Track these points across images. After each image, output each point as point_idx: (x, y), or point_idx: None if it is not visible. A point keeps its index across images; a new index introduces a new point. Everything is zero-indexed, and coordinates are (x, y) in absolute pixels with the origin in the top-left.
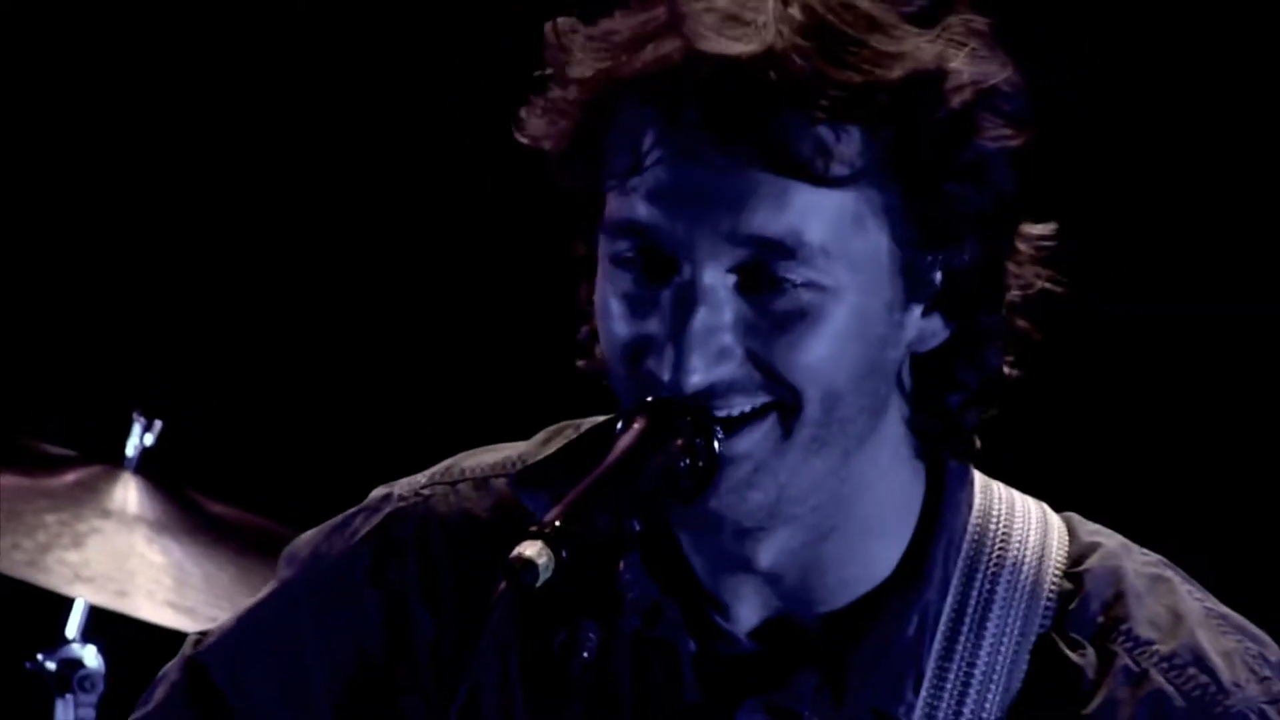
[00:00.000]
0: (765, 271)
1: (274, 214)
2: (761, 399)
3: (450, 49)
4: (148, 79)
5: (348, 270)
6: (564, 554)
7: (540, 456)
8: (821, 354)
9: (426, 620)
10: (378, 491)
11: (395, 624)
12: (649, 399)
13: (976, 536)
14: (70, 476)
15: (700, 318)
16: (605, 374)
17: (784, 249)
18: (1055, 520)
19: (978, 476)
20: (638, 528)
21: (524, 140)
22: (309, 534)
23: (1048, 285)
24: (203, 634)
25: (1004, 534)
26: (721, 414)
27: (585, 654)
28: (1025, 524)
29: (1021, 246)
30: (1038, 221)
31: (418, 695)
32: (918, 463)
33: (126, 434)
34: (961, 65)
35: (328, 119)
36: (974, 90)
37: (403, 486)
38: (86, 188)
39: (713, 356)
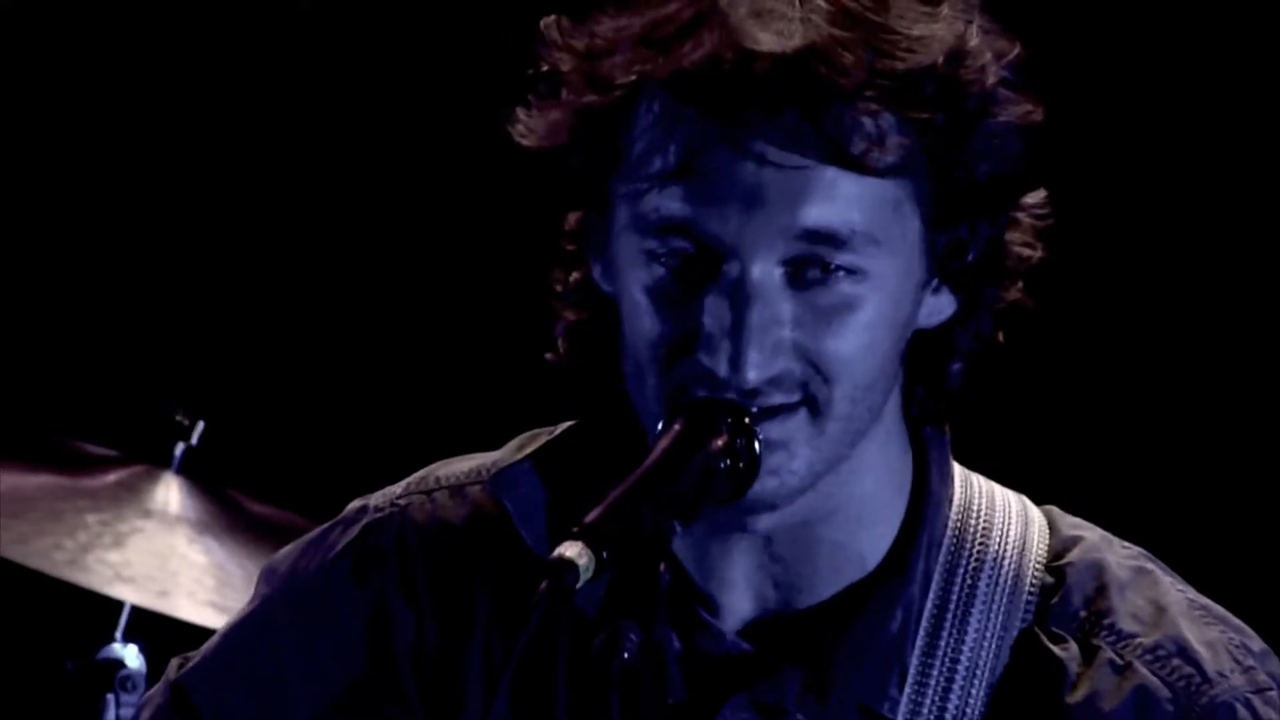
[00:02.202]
0: (815, 263)
1: (320, 216)
2: (795, 397)
3: (465, 45)
4: (192, 84)
5: (392, 273)
6: (604, 554)
7: (514, 460)
8: (858, 344)
9: (407, 629)
10: (354, 504)
11: (375, 635)
12: (688, 400)
13: (958, 531)
14: (112, 476)
15: (756, 313)
16: (584, 368)
17: (836, 240)
18: (1036, 514)
19: (958, 469)
20: (678, 528)
21: (522, 141)
22: (286, 549)
23: (1041, 255)
24: (186, 656)
25: (985, 528)
26: (756, 406)
27: (625, 654)
28: (1006, 517)
29: (1020, 216)
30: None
31: (400, 706)
32: (906, 442)
33: (169, 434)
34: (978, 43)
35: (372, 128)
36: (995, 66)
37: (378, 498)
38: (132, 189)
39: (769, 351)
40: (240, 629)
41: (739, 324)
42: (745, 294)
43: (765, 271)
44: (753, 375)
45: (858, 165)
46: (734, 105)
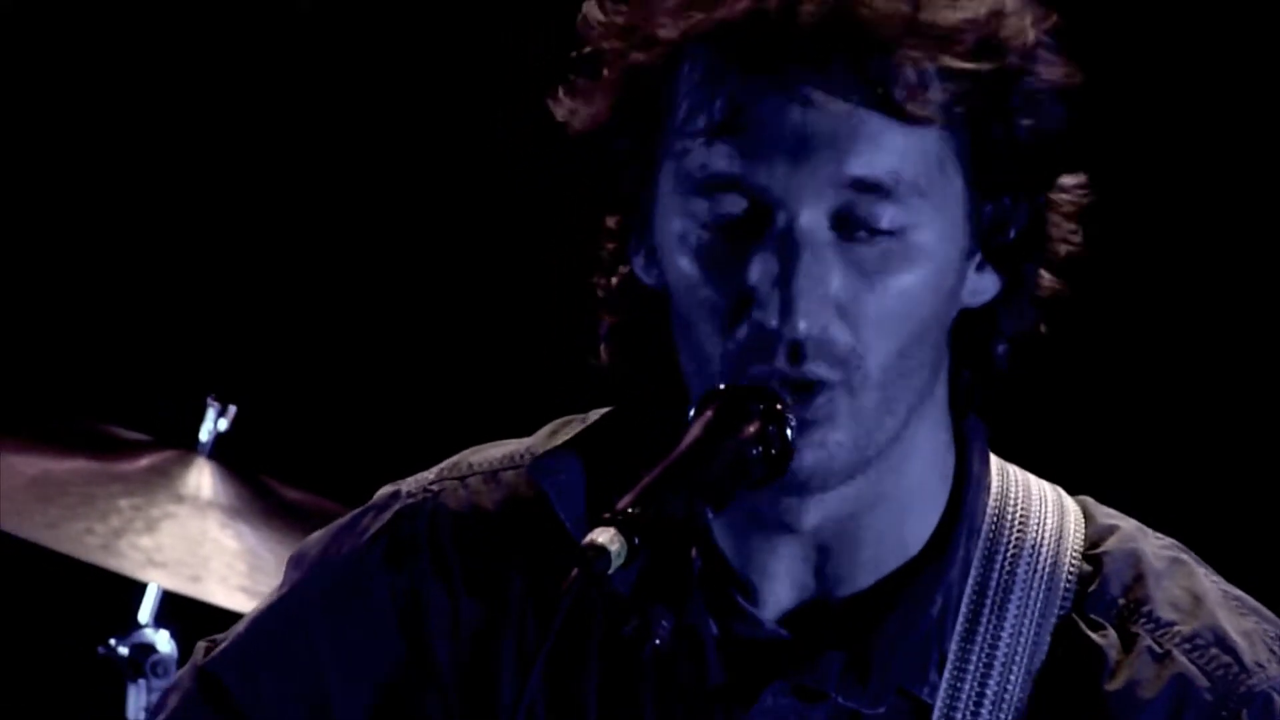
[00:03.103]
0: (862, 223)
1: (348, 202)
2: (838, 374)
3: (464, 46)
4: (193, 84)
5: (422, 258)
6: (636, 540)
7: (551, 446)
8: (900, 306)
9: (441, 615)
10: (385, 489)
11: (409, 621)
12: (720, 388)
13: (995, 518)
14: (144, 461)
15: (805, 261)
16: (629, 369)
17: (883, 189)
18: (1070, 503)
19: (994, 460)
20: (710, 514)
21: (566, 124)
22: (316, 535)
23: (1079, 242)
24: (214, 641)
25: (1022, 516)
26: (808, 373)
27: (658, 641)
28: (1042, 507)
29: (1060, 198)
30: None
31: (435, 691)
32: (951, 430)
33: (200, 418)
34: (1017, 2)
35: (404, 123)
36: (1035, 26)
37: (411, 484)
38: (160, 177)
39: (818, 301)
40: (270, 614)
41: (788, 274)
42: (794, 243)
43: (813, 222)
44: (803, 325)
45: (901, 113)
46: (778, 56)
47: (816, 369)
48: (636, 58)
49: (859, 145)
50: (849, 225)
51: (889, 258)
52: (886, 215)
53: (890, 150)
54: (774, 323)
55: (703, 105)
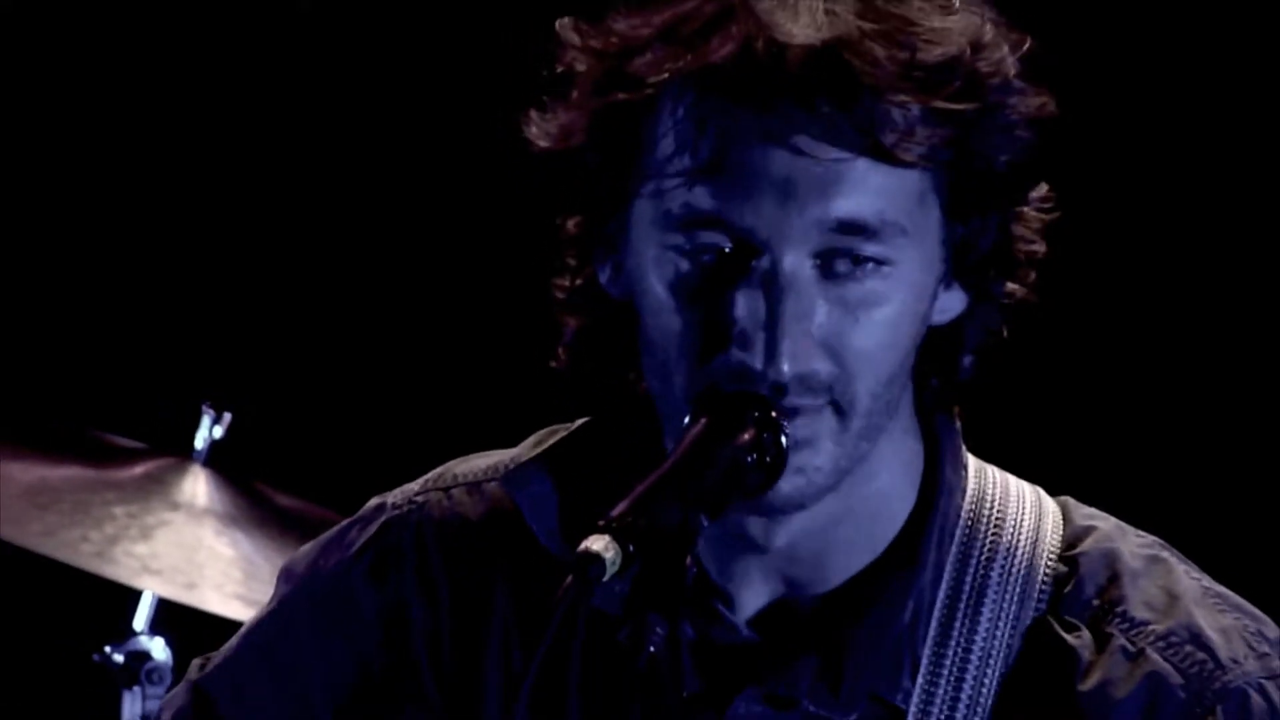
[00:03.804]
0: (845, 255)
1: (344, 207)
2: (821, 400)
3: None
4: (217, 78)
5: (418, 264)
6: (631, 548)
7: (527, 457)
8: (884, 339)
9: (424, 625)
10: (372, 502)
11: (394, 632)
12: (714, 394)
13: (971, 520)
14: (139, 468)
15: (790, 305)
16: (590, 375)
17: (867, 230)
18: (1050, 504)
19: (972, 461)
20: (705, 522)
21: (537, 143)
22: (305, 549)
23: (1042, 251)
24: (208, 657)
25: (998, 518)
26: (789, 405)
27: (651, 648)
28: (1019, 508)
29: (1025, 210)
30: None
31: (420, 704)
32: (918, 432)
33: (195, 426)
34: (993, 35)
35: (403, 126)
36: (1011, 58)
37: (396, 495)
38: (156, 181)
39: (803, 344)
40: (260, 629)
41: (773, 316)
42: (779, 287)
43: (797, 263)
44: (787, 367)
45: (889, 156)
46: (766, 98)
47: (799, 400)
48: (617, 96)
49: (845, 188)
50: (832, 264)
51: (872, 292)
52: (870, 252)
53: (875, 192)
54: (759, 365)
55: (686, 144)
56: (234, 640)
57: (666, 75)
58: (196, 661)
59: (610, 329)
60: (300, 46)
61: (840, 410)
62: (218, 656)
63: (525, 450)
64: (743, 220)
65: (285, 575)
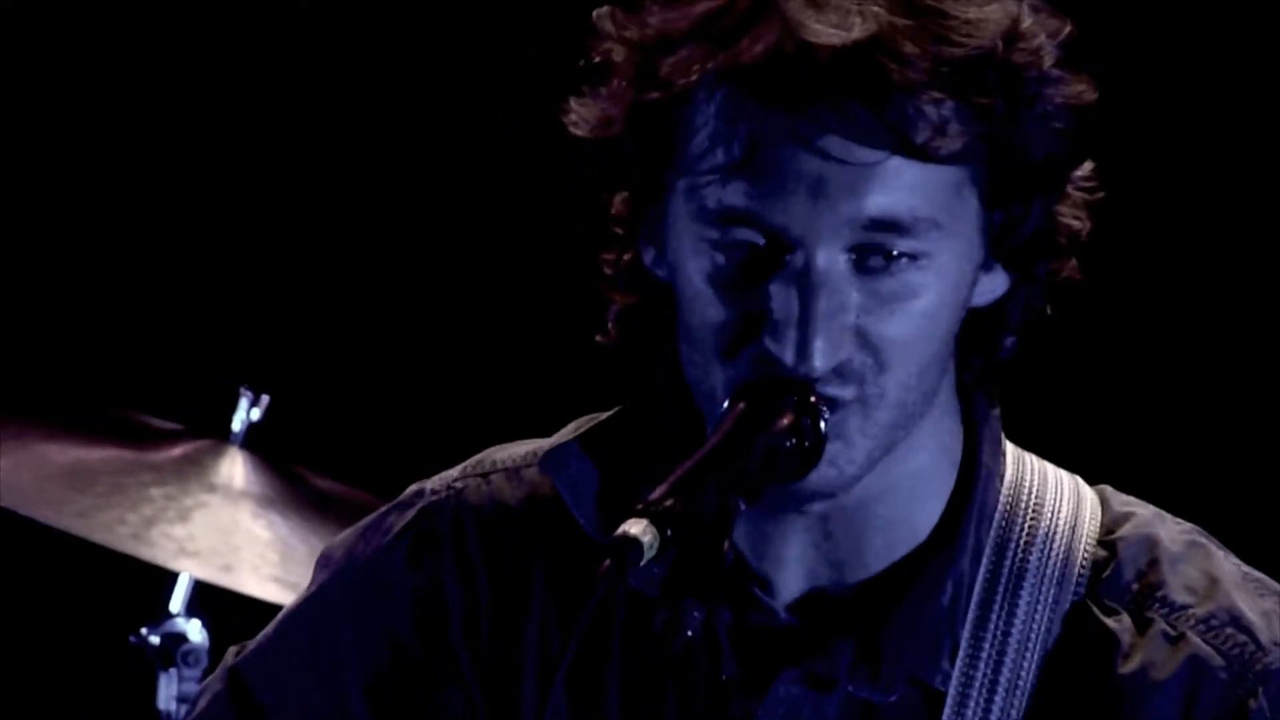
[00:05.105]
0: (879, 251)
1: (384, 191)
2: (850, 393)
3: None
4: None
5: (454, 249)
6: (669, 532)
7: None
8: (918, 331)
9: (462, 611)
10: (411, 488)
11: (432, 616)
12: (752, 379)
13: (1009, 506)
14: (176, 450)
15: (823, 301)
16: (634, 353)
17: (900, 227)
18: (1088, 492)
19: (1010, 448)
20: (743, 506)
21: (574, 130)
22: (343, 535)
23: (1088, 230)
24: (244, 644)
25: (1037, 504)
26: (824, 394)
27: (689, 633)
28: (1058, 495)
29: (1069, 190)
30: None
31: (457, 688)
32: (959, 416)
33: (233, 408)
34: (1030, 23)
35: (411, 116)
36: (1049, 47)
37: (435, 481)
38: (196, 164)
39: (836, 339)
40: (297, 615)
41: (806, 312)
42: (811, 282)
43: (830, 259)
44: (819, 363)
45: (921, 154)
46: (797, 98)
47: (829, 389)
48: (651, 96)
49: (877, 186)
50: (866, 259)
51: (906, 285)
52: (904, 248)
53: (909, 188)
54: (790, 359)
55: (719, 141)
56: (271, 626)
57: (697, 75)
58: (233, 649)
59: (655, 308)
60: (300, 46)
61: (866, 404)
62: (254, 642)
63: (563, 437)
64: (775, 218)
65: (323, 561)
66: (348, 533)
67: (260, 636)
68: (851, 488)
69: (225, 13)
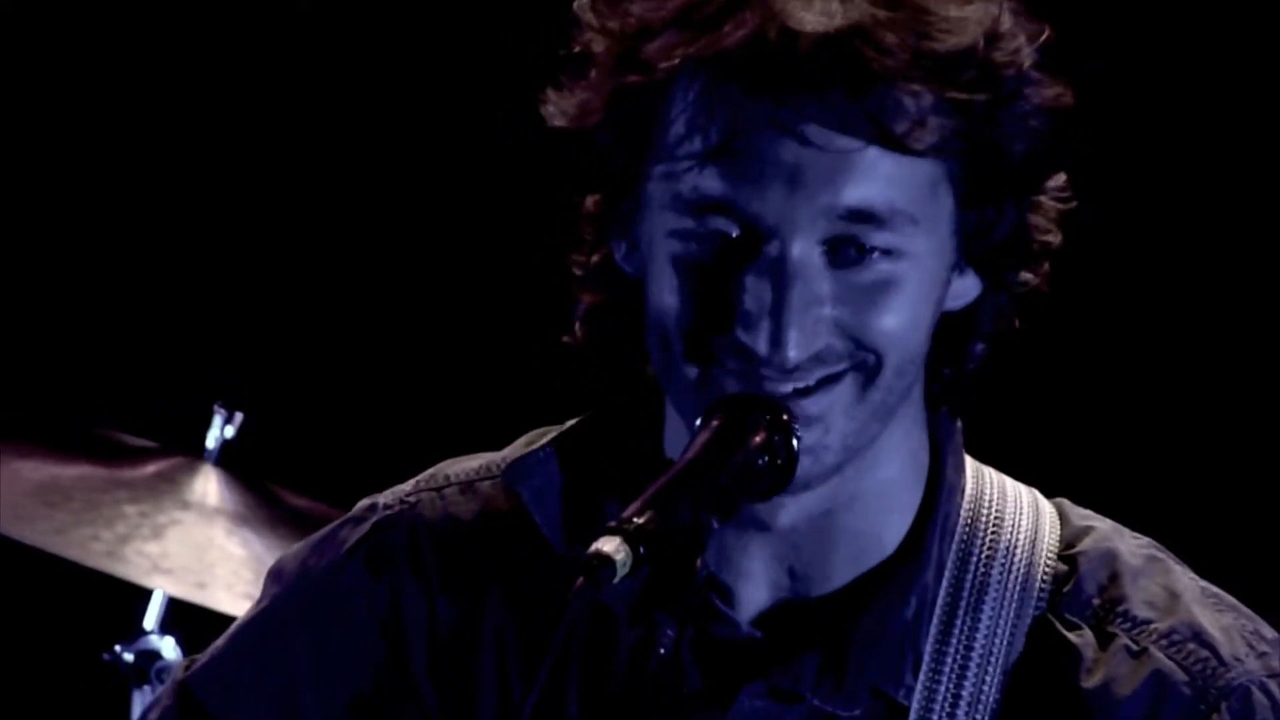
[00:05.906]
0: (855, 242)
1: (355, 207)
2: (842, 365)
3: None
4: (217, 79)
5: (431, 265)
6: (642, 550)
7: (529, 450)
8: (903, 320)
9: (419, 625)
10: (363, 502)
11: (387, 632)
12: (726, 397)
13: (970, 520)
14: (150, 468)
15: (798, 292)
16: (602, 353)
17: (876, 219)
18: (1046, 505)
19: (969, 462)
20: (716, 524)
21: (552, 121)
22: (294, 549)
23: (1059, 241)
24: (194, 658)
25: (997, 518)
26: (802, 385)
27: (662, 650)
28: (1017, 508)
29: (1042, 200)
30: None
31: (413, 704)
32: (925, 429)
33: (207, 425)
34: (1011, 25)
35: (406, 126)
36: (1028, 48)
37: (388, 496)
38: (170, 178)
39: (810, 330)
40: (249, 629)
41: (780, 303)
42: (786, 273)
43: (805, 250)
44: (793, 354)
45: (900, 145)
46: (777, 85)
47: (812, 376)
48: (631, 80)
49: (854, 176)
50: (841, 251)
51: (886, 277)
52: (879, 241)
53: (885, 180)
54: (762, 349)
55: (697, 128)
56: (222, 640)
57: (679, 60)
58: (183, 661)
59: (624, 306)
60: (300, 46)
61: (865, 377)
62: (204, 656)
63: (515, 451)
64: (751, 206)
65: (275, 575)
66: (299, 546)
67: (210, 651)
68: (828, 478)
69: (225, 13)
